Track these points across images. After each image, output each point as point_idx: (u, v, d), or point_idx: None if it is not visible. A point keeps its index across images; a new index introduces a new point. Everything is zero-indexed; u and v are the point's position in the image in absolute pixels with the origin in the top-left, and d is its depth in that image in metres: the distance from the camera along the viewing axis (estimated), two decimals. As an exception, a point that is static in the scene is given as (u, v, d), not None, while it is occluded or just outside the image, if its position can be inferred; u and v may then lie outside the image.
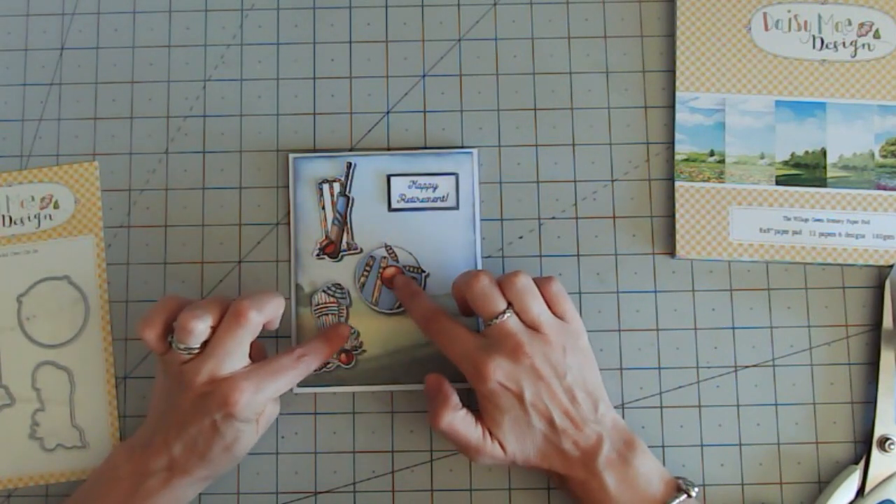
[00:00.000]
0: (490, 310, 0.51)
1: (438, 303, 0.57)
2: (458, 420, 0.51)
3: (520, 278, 0.51)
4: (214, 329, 0.51)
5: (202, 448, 0.51)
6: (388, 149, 0.60)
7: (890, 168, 0.59)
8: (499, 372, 0.49)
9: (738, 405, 0.58)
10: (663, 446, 0.57)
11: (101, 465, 0.54)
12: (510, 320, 0.50)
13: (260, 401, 0.50)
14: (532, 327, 0.51)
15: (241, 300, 0.51)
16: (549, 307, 0.52)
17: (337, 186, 0.59)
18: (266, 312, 0.51)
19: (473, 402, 0.52)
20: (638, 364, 0.58)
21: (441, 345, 0.53)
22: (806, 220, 0.59)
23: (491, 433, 0.51)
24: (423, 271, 0.59)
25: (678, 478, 0.53)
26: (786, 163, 0.60)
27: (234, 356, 0.50)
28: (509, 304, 0.51)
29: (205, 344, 0.51)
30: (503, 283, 0.51)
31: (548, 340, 0.50)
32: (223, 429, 0.50)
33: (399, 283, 0.57)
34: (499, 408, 0.50)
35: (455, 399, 0.52)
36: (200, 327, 0.50)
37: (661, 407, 0.58)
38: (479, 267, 0.58)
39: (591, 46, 0.61)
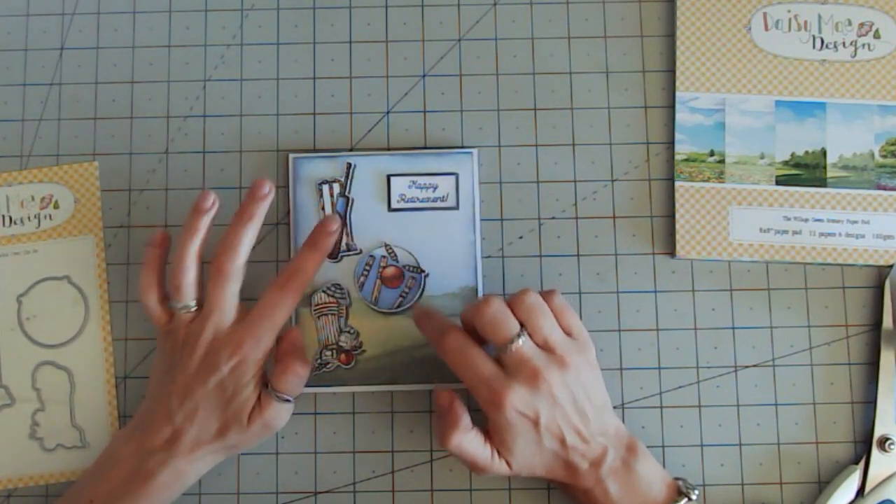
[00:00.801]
0: (503, 335, 0.50)
1: (437, 303, 0.58)
2: (466, 441, 0.50)
3: (529, 296, 0.51)
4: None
5: (205, 414, 0.51)
6: (388, 149, 0.60)
7: (890, 168, 0.59)
8: (517, 401, 0.49)
9: (738, 405, 0.58)
10: (663, 446, 0.57)
11: (98, 457, 0.54)
12: (525, 345, 0.49)
13: (264, 340, 0.52)
14: (545, 347, 0.50)
15: (216, 256, 0.53)
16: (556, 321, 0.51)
17: (337, 187, 0.59)
18: (241, 254, 0.53)
19: (471, 400, 0.52)
20: (638, 364, 0.58)
21: (453, 365, 0.51)
22: (806, 220, 0.59)
23: (498, 451, 0.51)
24: (423, 271, 0.59)
25: (678, 479, 0.53)
26: (786, 163, 0.60)
27: (229, 308, 0.53)
28: (521, 326, 0.50)
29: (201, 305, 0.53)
30: (513, 304, 0.51)
31: (563, 362, 0.50)
32: (230, 383, 0.51)
33: (417, 314, 0.55)
34: (511, 433, 0.50)
35: (466, 420, 0.51)
36: (189, 279, 0.53)
37: (661, 407, 0.58)
38: (479, 267, 0.58)
39: (591, 46, 0.61)
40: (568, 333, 0.51)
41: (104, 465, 0.53)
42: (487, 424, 0.51)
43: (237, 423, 0.52)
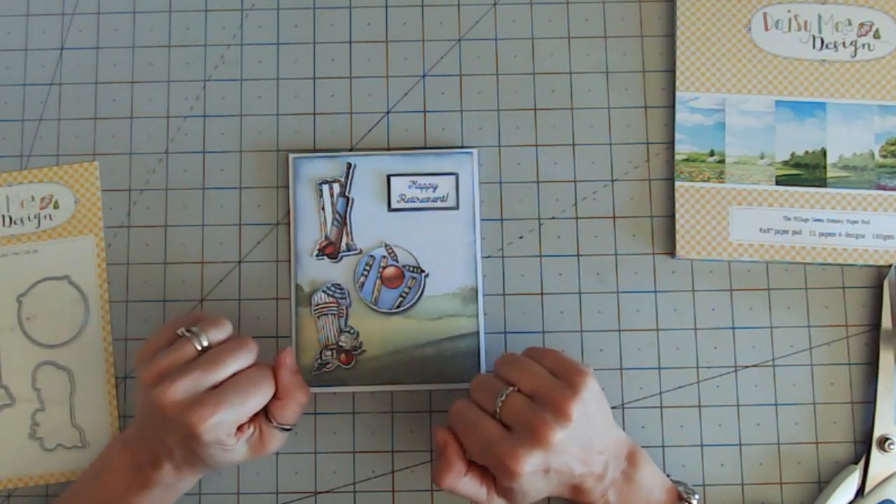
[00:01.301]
0: (490, 395, 0.49)
1: (437, 303, 0.58)
2: (461, 485, 0.50)
3: (501, 357, 0.51)
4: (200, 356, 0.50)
5: (181, 455, 0.50)
6: (388, 149, 0.60)
7: (890, 168, 0.59)
8: (528, 466, 0.47)
9: (738, 405, 0.58)
10: (663, 446, 0.57)
11: (95, 459, 0.54)
12: (515, 396, 0.48)
13: (229, 420, 0.49)
14: (537, 396, 0.48)
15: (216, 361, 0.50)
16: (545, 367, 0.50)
17: (337, 187, 0.59)
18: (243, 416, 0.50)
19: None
20: (638, 364, 0.58)
21: (459, 432, 0.50)
22: (806, 220, 0.59)
23: (497, 491, 0.50)
24: (423, 271, 0.59)
25: (678, 483, 0.53)
26: (786, 163, 0.60)
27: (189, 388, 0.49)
28: (509, 385, 0.49)
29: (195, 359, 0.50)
30: (494, 366, 0.51)
31: (561, 411, 0.47)
32: (195, 447, 0.49)
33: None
34: (520, 488, 0.49)
35: (460, 465, 0.50)
36: (228, 327, 0.52)
37: (661, 407, 0.58)
38: (479, 267, 0.58)
39: (591, 46, 0.61)
40: (556, 373, 0.50)
41: (100, 473, 0.53)
42: (495, 479, 0.50)
43: (222, 463, 0.51)
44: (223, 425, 0.49)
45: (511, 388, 0.49)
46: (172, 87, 0.62)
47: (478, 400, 0.50)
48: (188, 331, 0.50)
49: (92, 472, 0.54)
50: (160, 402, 0.48)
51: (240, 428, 0.50)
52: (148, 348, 0.51)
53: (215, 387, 0.49)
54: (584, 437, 0.48)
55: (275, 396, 0.52)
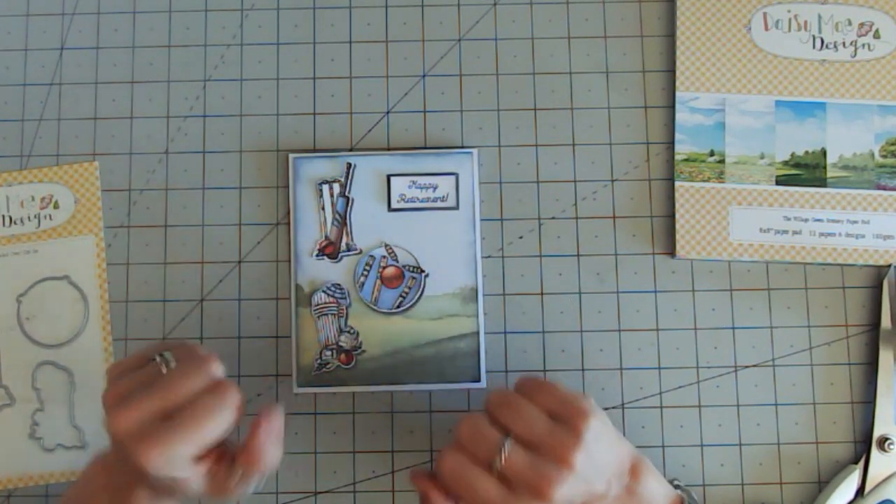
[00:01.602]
0: (486, 451, 0.46)
1: (437, 303, 0.58)
2: None
3: (495, 395, 0.47)
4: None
5: (149, 482, 0.46)
6: (388, 149, 0.60)
7: (890, 168, 0.59)
8: None
9: (738, 405, 0.58)
10: (663, 446, 0.57)
11: (79, 478, 0.51)
12: (513, 454, 0.45)
13: (180, 455, 0.44)
14: (536, 447, 0.45)
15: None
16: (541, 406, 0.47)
17: (337, 187, 0.59)
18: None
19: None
20: (638, 364, 0.58)
21: (454, 490, 0.47)
22: (806, 220, 0.59)
23: None
24: (423, 271, 0.59)
25: (680, 488, 0.53)
26: (786, 163, 0.60)
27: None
28: (504, 432, 0.46)
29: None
30: (486, 406, 0.47)
31: (563, 460, 0.45)
32: (152, 478, 0.46)
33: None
34: None
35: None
36: (209, 362, 0.47)
37: (661, 407, 0.58)
38: (479, 267, 0.58)
39: (591, 46, 0.61)
40: (555, 413, 0.46)
41: (82, 494, 0.50)
42: None
43: (190, 495, 0.47)
44: (174, 460, 0.44)
45: (510, 442, 0.45)
46: (172, 87, 0.62)
47: (471, 451, 0.46)
48: (160, 356, 0.47)
49: (74, 492, 0.51)
50: (111, 428, 0.45)
51: (201, 458, 0.46)
52: (116, 370, 0.48)
53: (172, 414, 0.45)
54: (588, 475, 0.46)
55: (247, 445, 0.47)
